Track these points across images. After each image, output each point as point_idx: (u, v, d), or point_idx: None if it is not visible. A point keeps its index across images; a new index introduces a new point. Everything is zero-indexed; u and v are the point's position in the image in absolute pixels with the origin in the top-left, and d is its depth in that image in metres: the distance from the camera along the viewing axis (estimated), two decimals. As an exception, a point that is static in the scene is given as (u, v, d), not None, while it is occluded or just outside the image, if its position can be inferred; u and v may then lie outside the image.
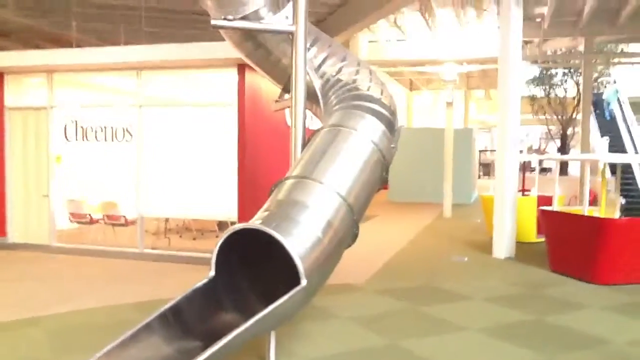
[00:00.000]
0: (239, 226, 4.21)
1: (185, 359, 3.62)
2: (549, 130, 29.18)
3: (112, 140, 9.59)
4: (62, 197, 10.03)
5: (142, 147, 9.42)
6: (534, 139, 44.50)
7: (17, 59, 9.83)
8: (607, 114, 16.73)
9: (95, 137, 9.69)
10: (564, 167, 22.55)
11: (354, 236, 4.93)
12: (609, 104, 16.91)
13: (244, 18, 5.83)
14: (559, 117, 27.29)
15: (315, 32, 6.50)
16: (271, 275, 4.55)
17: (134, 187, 9.49)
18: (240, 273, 4.58)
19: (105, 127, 9.64)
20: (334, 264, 4.69)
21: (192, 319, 4.14)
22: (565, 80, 26.41)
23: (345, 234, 4.71)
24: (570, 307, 6.27)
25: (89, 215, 10.02)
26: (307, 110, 6.01)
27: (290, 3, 5.81)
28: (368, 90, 6.09)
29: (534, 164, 14.09)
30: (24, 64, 9.79)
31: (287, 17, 5.88)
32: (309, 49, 6.14)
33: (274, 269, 4.48)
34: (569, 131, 27.61)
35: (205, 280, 4.28)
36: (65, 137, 9.85)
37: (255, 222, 4.30)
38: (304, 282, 3.94)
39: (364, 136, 5.32)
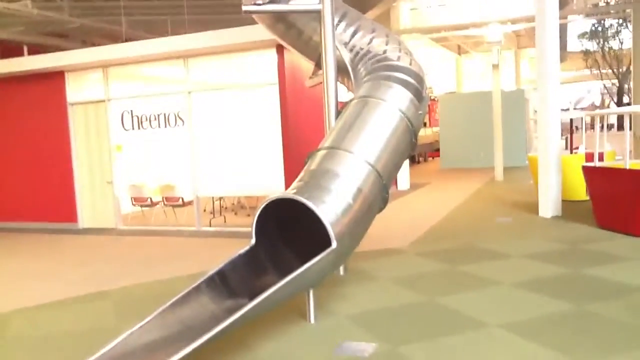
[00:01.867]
0: (275, 196, 4.60)
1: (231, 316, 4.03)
2: (604, 85, 27.96)
3: (166, 126, 10.20)
4: (125, 182, 10.76)
5: (193, 131, 9.97)
6: (595, 95, 42.88)
7: (76, 58, 10.56)
8: None
9: (150, 124, 10.33)
10: (621, 123, 21.69)
11: (384, 200, 5.24)
12: None
13: (272, 1, 6.15)
14: (615, 70, 26.12)
15: (344, 8, 6.74)
16: (310, 238, 4.91)
17: (189, 169, 10.08)
18: (280, 239, 4.99)
19: (158, 115, 10.25)
20: (365, 227, 5.02)
21: (237, 281, 4.58)
22: (620, 32, 25.22)
23: (375, 199, 5.03)
24: (609, 260, 6.35)
25: (150, 198, 10.71)
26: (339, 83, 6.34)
27: (317, -18, 6.08)
28: (398, 60, 6.30)
29: (575, 122, 13.75)
30: (82, 62, 10.50)
31: (314, -4, 6.13)
32: (337, 25, 6.41)
33: (313, 233, 4.86)
34: (628, 85, 26.46)
35: (247, 247, 4.72)
36: (123, 126, 10.54)
37: (290, 192, 4.68)
38: (334, 244, 4.30)
39: (391, 105, 5.59)
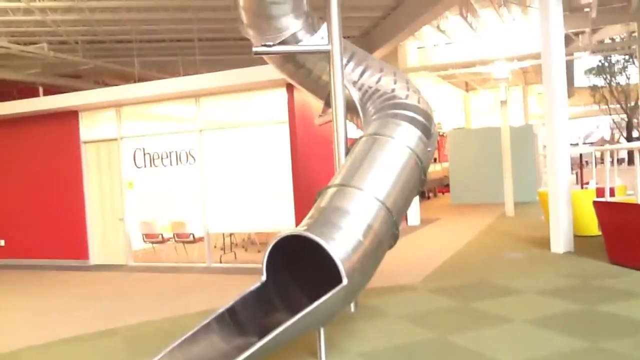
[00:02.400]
0: (285, 233, 4.63)
1: (241, 354, 4.02)
2: (613, 120, 28.03)
3: (177, 163, 10.33)
4: (136, 219, 10.84)
5: (204, 168, 10.09)
6: (604, 130, 42.88)
7: (89, 98, 10.80)
8: None
9: (162, 162, 10.46)
10: (632, 157, 21.69)
11: (395, 237, 5.26)
12: None
13: (282, 42, 6.30)
14: (623, 105, 26.21)
15: (352, 49, 6.89)
16: (319, 277, 4.91)
17: (200, 206, 10.16)
18: (290, 276, 5.00)
19: (170, 152, 10.39)
20: (376, 263, 5.03)
21: (247, 318, 4.58)
22: (627, 67, 25.43)
23: (385, 235, 5.05)
24: (622, 296, 6.29)
25: (161, 234, 10.77)
26: (348, 122, 6.43)
27: (325, 24, 6.24)
28: (406, 98, 6.39)
29: (585, 157, 13.76)
30: (95, 101, 10.72)
31: (322, 38, 6.29)
32: (346, 65, 6.54)
33: (322, 271, 4.87)
34: (637, 119, 26.51)
35: (258, 284, 4.73)
36: (135, 164, 10.68)
37: (300, 229, 4.71)
38: (345, 281, 4.30)
39: (400, 143, 5.65)
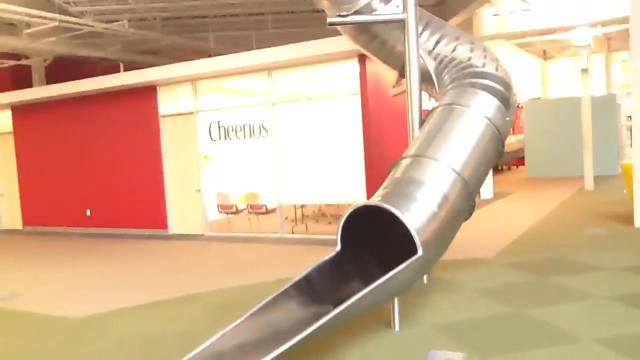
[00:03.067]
0: (360, 204, 4.66)
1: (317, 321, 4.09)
2: None
3: (251, 136, 10.53)
4: (212, 191, 11.18)
5: (277, 141, 10.23)
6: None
7: (167, 72, 11.13)
8: None
9: (236, 135, 10.69)
10: None
11: (471, 209, 5.17)
12: None
13: (357, 12, 6.23)
14: None
15: (427, 17, 6.72)
16: (394, 247, 4.92)
17: (273, 178, 10.34)
18: (365, 247, 5.03)
19: (243, 125, 10.60)
20: (451, 235, 4.97)
21: (323, 288, 4.66)
22: None
23: (461, 207, 4.97)
24: None
25: (235, 206, 11.07)
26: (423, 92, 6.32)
27: (400, -8, 6.12)
28: (483, 66, 6.21)
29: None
30: (173, 76, 11.05)
31: (397, 6, 6.17)
32: (421, 34, 6.39)
33: (397, 242, 4.88)
34: None
35: (332, 254, 4.79)
36: (210, 137, 10.97)
37: (375, 200, 4.72)
38: (420, 252, 4.29)
39: (477, 112, 5.51)
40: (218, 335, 3.90)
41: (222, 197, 11.15)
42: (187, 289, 6.98)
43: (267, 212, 10.67)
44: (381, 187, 5.03)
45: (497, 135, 5.50)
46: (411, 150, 5.32)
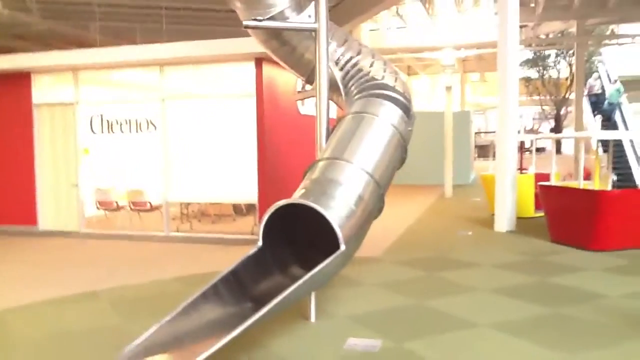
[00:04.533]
0: (284, 202, 4.86)
1: (240, 321, 4.17)
2: (543, 110, 29.85)
3: (137, 131, 10.22)
4: (90, 186, 10.66)
5: (166, 137, 10.05)
6: (527, 120, 45.25)
7: (45, 59, 10.42)
8: (611, 115, 16.56)
9: (121, 129, 10.31)
10: (557, 146, 23.30)
11: (380, 209, 5.63)
12: (610, 104, 16.86)
13: (270, 18, 6.44)
14: (553, 97, 27.97)
15: (333, 28, 7.10)
16: (309, 246, 5.22)
17: (159, 175, 10.13)
18: (281, 243, 5.25)
19: (129, 120, 10.26)
20: (365, 232, 5.38)
21: (248, 281, 4.81)
22: (558, 62, 27.10)
23: (373, 206, 5.40)
24: (569, 270, 6.98)
25: (116, 202, 10.66)
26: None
27: (312, 3, 6.44)
28: (382, 79, 6.73)
29: (529, 144, 14.82)
30: (51, 64, 10.38)
31: (309, 16, 6.49)
32: (329, 44, 6.76)
33: (308, 240, 5.19)
34: (562, 111, 28.32)
35: (255, 249, 4.96)
36: (92, 130, 10.47)
37: (297, 199, 4.97)
38: (342, 247, 4.60)
39: (384, 121, 5.99)
40: (155, 327, 3.89)
41: (101, 193, 10.67)
42: (84, 286, 6.67)
43: (152, 209, 10.43)
44: (299, 188, 5.27)
45: (402, 142, 6.03)
46: (326, 153, 5.63)
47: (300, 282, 4.33)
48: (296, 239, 5.38)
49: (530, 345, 4.43)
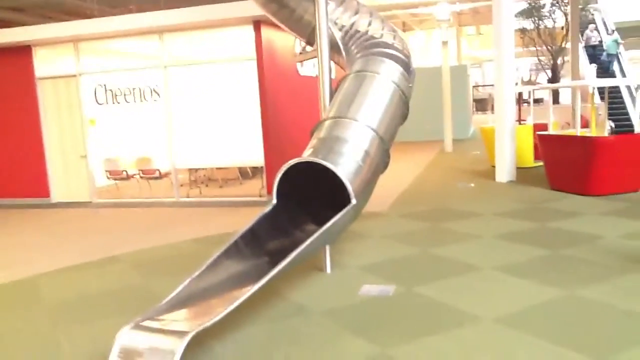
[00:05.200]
0: (295, 160, 5.12)
1: (260, 274, 4.43)
2: (540, 61, 29.81)
3: (141, 100, 10.40)
4: (99, 156, 10.89)
5: (170, 104, 10.23)
6: (524, 71, 45.08)
7: (45, 32, 10.52)
8: (609, 66, 16.68)
9: (125, 98, 10.48)
10: (555, 96, 23.38)
11: (386, 164, 5.89)
12: (609, 54, 16.96)
13: (270, -19, 6.56)
14: (549, 47, 27.93)
15: (331, -12, 7.21)
16: (317, 201, 5.48)
17: (166, 142, 10.34)
18: (293, 200, 5.52)
19: (133, 89, 10.42)
20: (372, 187, 5.64)
21: (265, 238, 5.09)
22: (554, 11, 26.94)
23: (379, 161, 5.65)
24: (569, 215, 7.27)
25: (125, 171, 10.91)
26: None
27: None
28: (381, 37, 6.89)
29: (527, 95, 14.99)
30: (51, 36, 10.47)
31: (308, -22, 6.59)
32: (327, 4, 6.89)
33: (318, 198, 5.46)
34: (559, 61, 28.29)
35: (269, 207, 5.22)
36: (96, 101, 10.63)
37: (307, 156, 5.21)
38: (353, 200, 4.88)
39: (386, 78, 6.18)
40: (184, 284, 4.17)
41: (110, 163, 10.91)
42: (103, 251, 6.97)
43: (161, 176, 10.68)
44: (308, 147, 5.52)
45: (404, 98, 6.24)
46: (331, 112, 5.85)
47: (316, 234, 4.60)
48: (306, 197, 5.64)
49: (532, 283, 4.74)
